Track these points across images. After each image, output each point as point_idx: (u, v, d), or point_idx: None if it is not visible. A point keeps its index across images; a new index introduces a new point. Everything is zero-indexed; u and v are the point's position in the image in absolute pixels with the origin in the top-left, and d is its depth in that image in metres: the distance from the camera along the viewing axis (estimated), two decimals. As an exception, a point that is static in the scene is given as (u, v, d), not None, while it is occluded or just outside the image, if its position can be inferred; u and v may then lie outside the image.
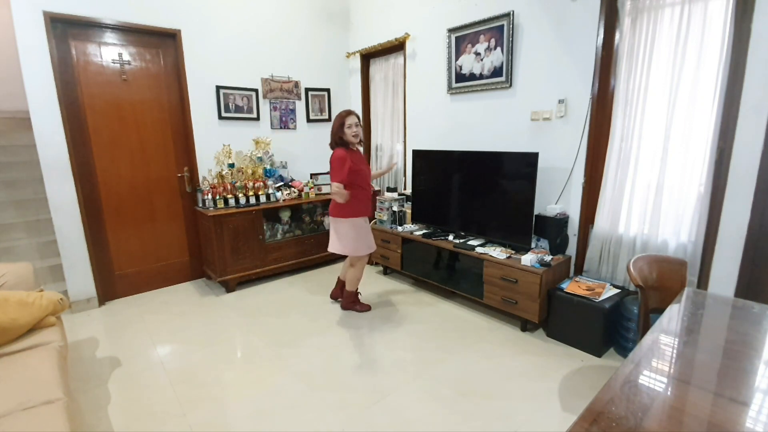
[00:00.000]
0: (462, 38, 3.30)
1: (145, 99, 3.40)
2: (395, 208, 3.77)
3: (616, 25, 2.49)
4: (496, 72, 3.10)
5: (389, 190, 4.04)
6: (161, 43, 3.42)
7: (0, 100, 4.27)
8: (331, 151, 2.88)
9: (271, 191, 3.77)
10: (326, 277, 3.90)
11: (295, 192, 3.94)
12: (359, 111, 4.61)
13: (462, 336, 2.71)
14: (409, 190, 3.91)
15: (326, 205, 4.17)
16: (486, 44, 3.13)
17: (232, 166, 3.68)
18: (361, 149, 2.91)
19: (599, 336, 2.40)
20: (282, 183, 4.02)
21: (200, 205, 3.61)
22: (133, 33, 3.27)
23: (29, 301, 1.96)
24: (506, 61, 3.01)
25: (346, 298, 3.11)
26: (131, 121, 3.35)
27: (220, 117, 3.76)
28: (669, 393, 1.09)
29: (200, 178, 3.67)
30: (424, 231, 3.51)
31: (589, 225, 2.78)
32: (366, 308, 3.10)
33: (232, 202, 3.54)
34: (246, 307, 3.25)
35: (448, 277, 3.18)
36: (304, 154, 4.42)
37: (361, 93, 4.58)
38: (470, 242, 3.10)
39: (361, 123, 2.78)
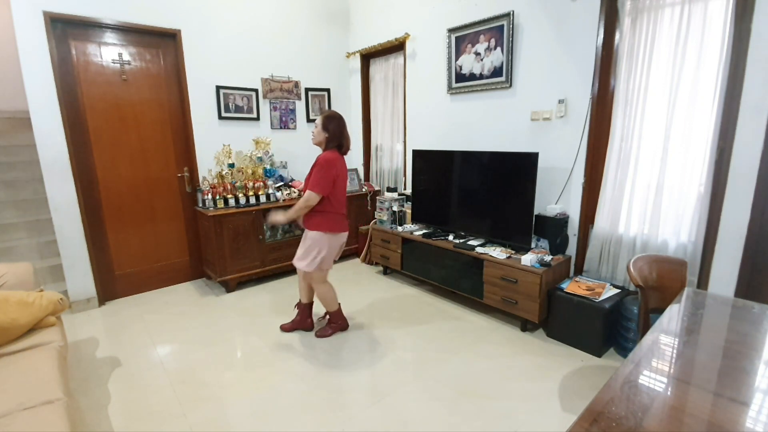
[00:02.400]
0: (462, 38, 3.30)
1: (145, 99, 3.39)
2: (395, 208, 3.77)
3: (616, 25, 2.49)
4: (496, 72, 3.10)
5: (389, 190, 4.04)
6: (161, 43, 3.42)
7: (0, 100, 4.27)
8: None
9: (271, 191, 3.77)
10: (326, 277, 3.90)
11: (295, 192, 3.94)
12: (359, 111, 4.62)
13: (462, 336, 2.71)
14: (409, 190, 3.91)
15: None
16: (486, 44, 3.13)
17: (232, 166, 3.68)
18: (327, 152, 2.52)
19: (599, 336, 2.40)
20: (282, 183, 4.02)
21: (200, 205, 3.61)
22: (133, 33, 3.27)
23: (29, 301, 1.96)
24: (506, 61, 3.01)
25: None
26: (131, 121, 3.35)
27: (220, 117, 3.76)
28: (669, 393, 1.09)
29: (200, 178, 3.67)
30: (424, 231, 3.51)
31: (589, 225, 2.78)
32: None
33: (232, 202, 3.54)
34: (246, 307, 3.25)
35: (448, 277, 3.18)
36: (304, 154, 4.41)
37: (361, 93, 4.58)
38: (470, 242, 3.10)
39: (320, 124, 2.49)
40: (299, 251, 2.61)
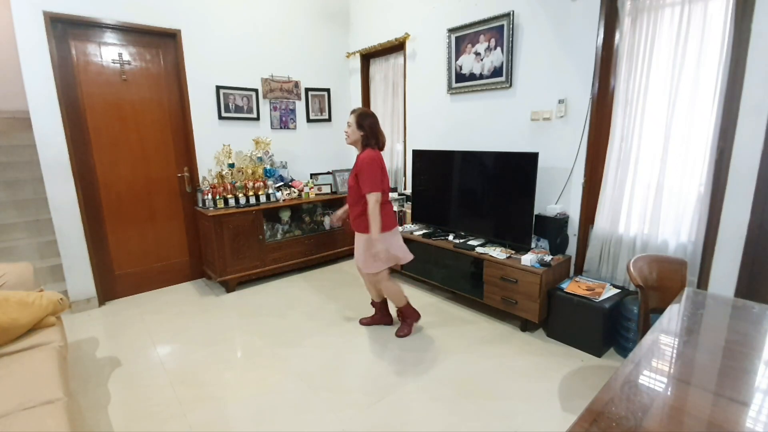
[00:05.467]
0: (462, 38, 3.30)
1: (145, 99, 3.39)
2: (395, 208, 3.76)
3: (616, 25, 2.49)
4: (496, 72, 3.10)
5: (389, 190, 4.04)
6: (161, 43, 3.42)
7: (0, 100, 4.26)
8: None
9: (271, 191, 3.77)
10: (326, 276, 3.90)
11: (295, 192, 3.94)
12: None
13: (462, 336, 2.71)
14: (409, 190, 3.91)
15: (326, 205, 4.17)
16: (486, 44, 3.13)
17: (232, 166, 3.68)
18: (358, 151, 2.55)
19: (599, 336, 2.40)
20: (282, 183, 4.02)
21: (200, 205, 3.61)
22: (133, 33, 3.27)
23: (29, 301, 1.96)
24: (506, 61, 3.01)
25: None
26: (131, 121, 3.35)
27: (220, 117, 3.76)
28: (669, 393, 1.09)
29: (200, 178, 3.67)
30: (424, 231, 3.51)
31: (589, 225, 2.78)
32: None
33: (232, 202, 3.54)
34: (246, 307, 3.25)
35: (448, 277, 3.18)
36: (304, 154, 4.43)
37: (361, 93, 4.58)
38: (470, 242, 3.10)
39: (354, 123, 2.46)
40: (359, 256, 2.58)
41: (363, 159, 2.41)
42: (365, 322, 2.90)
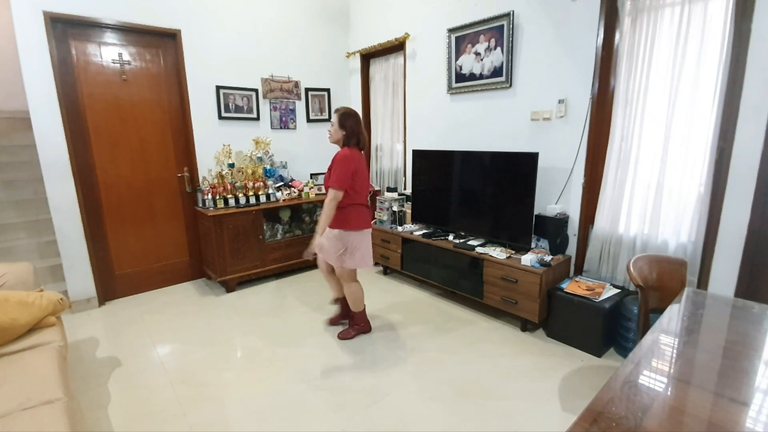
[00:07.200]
0: (462, 38, 3.30)
1: (145, 99, 3.39)
2: (395, 208, 3.77)
3: (616, 25, 2.49)
4: (496, 72, 3.10)
5: (389, 190, 4.04)
6: (161, 43, 3.42)
7: (0, 100, 4.27)
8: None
9: (271, 191, 3.77)
10: (326, 277, 3.90)
11: (295, 192, 3.94)
12: (359, 111, 4.60)
13: (462, 336, 2.71)
14: (409, 190, 3.91)
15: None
16: (486, 44, 3.13)
17: (232, 166, 3.68)
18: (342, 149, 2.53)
19: (599, 336, 2.40)
20: (282, 183, 4.02)
21: (200, 205, 3.61)
22: (133, 33, 3.27)
23: (29, 301, 1.96)
24: (506, 61, 3.01)
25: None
26: (131, 121, 3.35)
27: (220, 117, 3.76)
28: (669, 393, 1.09)
29: (200, 178, 3.67)
30: (424, 231, 3.51)
31: (589, 225, 2.78)
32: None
33: (232, 202, 3.54)
34: (246, 307, 3.25)
35: (448, 277, 3.18)
36: (304, 154, 4.43)
37: (361, 93, 4.58)
38: (470, 242, 3.10)
39: (336, 122, 2.49)
40: (328, 248, 2.54)
41: (338, 155, 2.45)
42: (333, 321, 2.88)
